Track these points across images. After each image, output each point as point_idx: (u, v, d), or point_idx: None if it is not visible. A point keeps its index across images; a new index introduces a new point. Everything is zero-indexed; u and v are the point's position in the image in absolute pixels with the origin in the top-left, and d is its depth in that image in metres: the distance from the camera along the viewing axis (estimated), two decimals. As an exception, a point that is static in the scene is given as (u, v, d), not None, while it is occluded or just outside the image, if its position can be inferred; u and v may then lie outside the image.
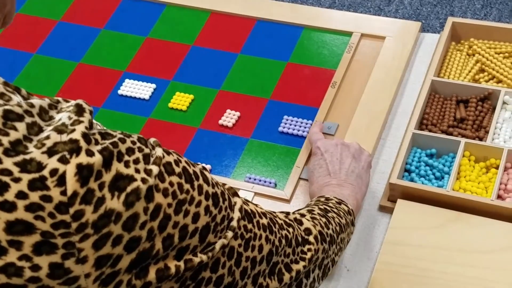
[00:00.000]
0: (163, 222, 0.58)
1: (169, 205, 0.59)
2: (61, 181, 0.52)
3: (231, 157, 1.20)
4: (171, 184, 0.59)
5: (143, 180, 0.56)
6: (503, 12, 2.29)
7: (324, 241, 0.83)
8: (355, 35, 1.34)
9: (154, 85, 1.32)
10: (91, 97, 1.33)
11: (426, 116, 1.16)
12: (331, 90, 1.25)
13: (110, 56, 1.40)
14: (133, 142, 0.58)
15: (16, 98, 0.56)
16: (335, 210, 0.91)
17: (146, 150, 0.59)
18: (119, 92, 1.33)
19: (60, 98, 0.59)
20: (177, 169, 0.61)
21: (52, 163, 0.52)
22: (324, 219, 0.86)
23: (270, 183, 1.14)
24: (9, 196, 0.51)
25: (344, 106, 1.23)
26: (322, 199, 0.95)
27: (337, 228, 0.88)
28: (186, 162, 0.63)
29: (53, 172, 0.52)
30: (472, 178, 1.07)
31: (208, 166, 1.18)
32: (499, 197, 1.05)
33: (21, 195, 0.51)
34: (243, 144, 1.21)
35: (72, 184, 0.52)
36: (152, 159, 0.59)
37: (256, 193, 1.13)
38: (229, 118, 1.25)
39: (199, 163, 0.84)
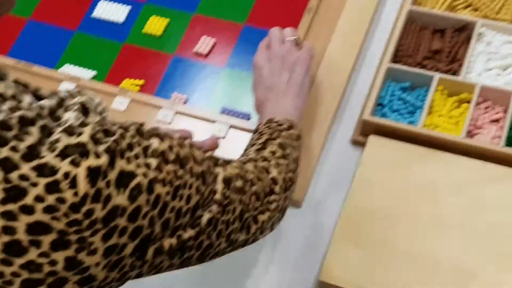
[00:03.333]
0: (162, 209, 0.63)
1: (167, 193, 0.64)
2: (73, 183, 0.56)
3: (207, 87, 1.20)
4: (168, 173, 0.64)
5: (144, 175, 0.61)
6: None
7: (287, 189, 0.88)
8: (334, -45, 1.30)
9: (129, 7, 1.31)
10: (65, 20, 1.32)
11: (402, 48, 1.16)
12: (306, 16, 1.24)
13: (83, -26, 1.37)
14: (132, 137, 0.62)
15: (27, 99, 0.59)
16: (288, 141, 0.94)
17: (144, 143, 0.63)
18: (93, 14, 1.31)
19: (65, 94, 0.62)
20: (172, 156, 0.65)
21: (65, 166, 0.56)
22: (285, 161, 0.90)
23: (245, 115, 1.15)
24: (28, 200, 0.55)
25: (319, 34, 1.22)
26: (273, 124, 0.97)
27: (295, 165, 0.93)
28: (177, 145, 0.67)
29: (66, 175, 0.56)
30: (443, 113, 1.09)
31: (184, 96, 1.19)
32: (469, 132, 1.07)
33: (38, 198, 0.55)
34: (218, 74, 1.21)
35: (83, 185, 0.57)
36: (149, 152, 0.63)
37: (231, 126, 1.14)
38: (204, 45, 1.24)
39: (187, 133, 0.87)
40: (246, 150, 0.95)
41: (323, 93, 1.14)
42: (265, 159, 0.88)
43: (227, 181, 0.75)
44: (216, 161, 0.76)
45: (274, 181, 0.85)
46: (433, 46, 1.16)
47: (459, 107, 1.10)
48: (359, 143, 1.10)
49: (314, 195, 1.08)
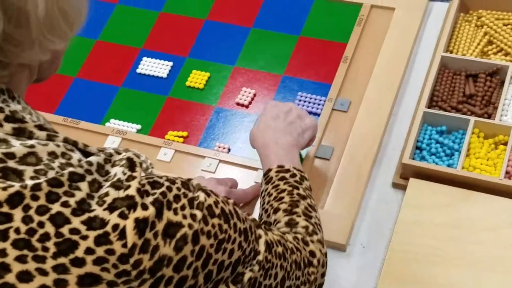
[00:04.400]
0: (206, 260, 0.66)
1: (211, 245, 0.66)
2: (122, 235, 0.59)
3: (249, 136, 1.24)
4: (213, 226, 0.66)
5: (190, 226, 0.64)
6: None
7: (324, 264, 0.89)
8: (365, 6, 1.36)
9: (171, 63, 1.36)
10: (111, 76, 1.37)
11: (436, 93, 1.20)
12: (343, 65, 1.29)
13: (126, 33, 1.43)
14: (178, 189, 0.65)
15: (75, 156, 0.63)
16: (308, 200, 0.95)
17: (190, 195, 0.66)
18: (138, 70, 1.37)
19: (112, 151, 0.65)
20: (217, 211, 0.68)
21: (113, 219, 0.59)
22: (317, 236, 0.90)
23: (288, 163, 1.19)
24: (79, 253, 0.58)
25: (356, 81, 1.27)
26: (287, 176, 0.97)
27: (322, 234, 0.93)
28: (222, 201, 0.70)
29: (115, 227, 0.59)
30: (481, 155, 1.12)
31: (227, 145, 1.24)
32: (507, 173, 1.10)
33: (89, 251, 0.58)
34: (259, 123, 1.25)
35: (131, 237, 0.59)
36: (195, 203, 0.66)
37: (274, 173, 1.18)
38: (245, 96, 1.29)
39: (232, 181, 0.91)
40: (264, 209, 0.95)
41: (362, 138, 1.18)
42: (301, 234, 0.90)
43: (269, 245, 0.77)
44: (258, 224, 0.79)
45: (312, 254, 0.87)
46: (467, 90, 1.20)
47: (496, 149, 1.13)
48: (400, 186, 1.14)
49: (358, 238, 1.11)
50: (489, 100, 1.19)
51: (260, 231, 0.77)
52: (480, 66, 1.21)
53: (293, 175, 0.98)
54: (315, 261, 0.87)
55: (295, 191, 0.95)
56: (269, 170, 0.99)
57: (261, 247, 0.75)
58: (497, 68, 1.20)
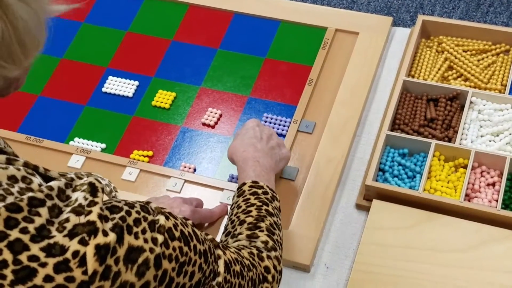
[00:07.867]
0: (168, 285, 0.66)
1: (173, 269, 0.67)
2: (82, 262, 0.59)
3: (215, 156, 1.26)
4: (173, 249, 0.67)
5: (151, 250, 0.64)
6: (470, 5, 2.37)
7: (278, 281, 0.91)
8: (330, 30, 1.39)
9: (137, 82, 1.37)
10: (76, 95, 1.37)
11: (399, 116, 1.23)
12: (308, 88, 1.31)
13: (92, 52, 1.43)
14: (138, 212, 0.65)
15: (36, 180, 0.62)
16: (275, 218, 0.97)
17: (150, 218, 0.66)
18: (103, 89, 1.37)
19: (73, 175, 0.65)
20: (177, 234, 0.68)
21: (74, 245, 0.59)
22: (275, 253, 0.92)
23: (253, 183, 1.21)
24: (38, 280, 0.57)
25: (320, 104, 1.29)
26: (259, 192, 0.99)
27: (281, 251, 0.95)
28: (181, 223, 0.71)
29: (75, 254, 0.59)
30: (442, 178, 1.15)
31: (192, 166, 1.24)
32: (467, 196, 1.13)
33: (48, 278, 0.58)
34: (225, 143, 1.27)
35: (92, 264, 0.59)
36: (156, 227, 0.66)
37: (239, 193, 1.19)
38: (211, 116, 1.30)
39: (198, 200, 0.92)
40: (231, 219, 0.97)
41: (327, 159, 1.20)
42: (258, 248, 0.91)
43: (228, 265, 0.78)
44: (217, 244, 0.80)
45: (267, 269, 0.89)
46: (428, 114, 1.23)
47: (456, 172, 1.16)
48: (363, 207, 1.16)
49: (322, 259, 1.12)
50: (449, 124, 1.22)
51: (219, 251, 0.78)
52: (441, 90, 1.24)
53: (265, 193, 1.00)
54: (269, 277, 0.89)
55: (264, 207, 0.97)
56: (243, 184, 1.01)
57: (221, 268, 0.77)
58: (457, 92, 1.23)
